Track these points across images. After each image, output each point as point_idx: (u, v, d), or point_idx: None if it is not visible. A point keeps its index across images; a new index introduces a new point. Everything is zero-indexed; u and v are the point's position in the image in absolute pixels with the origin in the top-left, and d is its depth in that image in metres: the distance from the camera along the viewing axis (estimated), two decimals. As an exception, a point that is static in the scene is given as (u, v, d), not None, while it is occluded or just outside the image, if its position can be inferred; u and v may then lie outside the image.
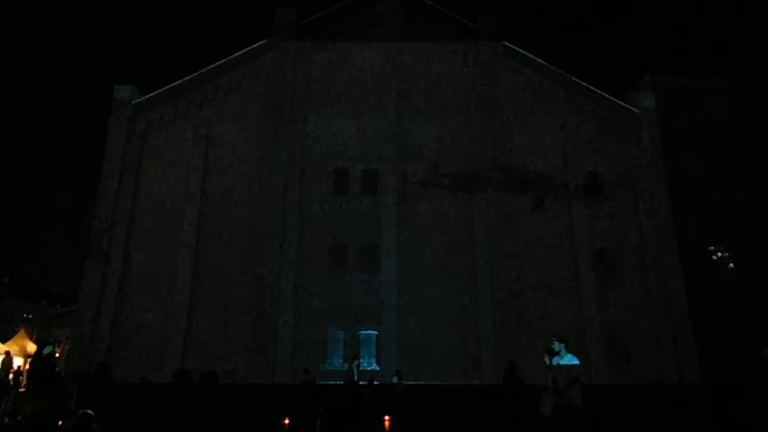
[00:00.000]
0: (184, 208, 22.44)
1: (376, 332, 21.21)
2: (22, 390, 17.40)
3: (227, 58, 24.28)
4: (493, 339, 20.75)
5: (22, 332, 26.81)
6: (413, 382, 17.60)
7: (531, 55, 24.48)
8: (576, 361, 8.04)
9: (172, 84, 24.18)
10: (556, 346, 8.28)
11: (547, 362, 8.68)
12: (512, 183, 22.74)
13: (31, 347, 24.51)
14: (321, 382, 16.72)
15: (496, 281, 21.45)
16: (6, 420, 11.86)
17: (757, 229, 23.73)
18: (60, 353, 23.78)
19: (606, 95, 24.28)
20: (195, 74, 24.19)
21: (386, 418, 12.93)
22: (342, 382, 16.39)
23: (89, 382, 14.81)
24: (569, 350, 8.15)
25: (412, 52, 24.34)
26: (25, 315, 43.34)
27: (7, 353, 22.41)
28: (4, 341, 25.74)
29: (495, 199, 22.39)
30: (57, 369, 16.94)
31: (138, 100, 23.94)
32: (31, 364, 17.03)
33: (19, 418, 11.73)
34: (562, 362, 8.02)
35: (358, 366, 16.67)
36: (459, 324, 21.10)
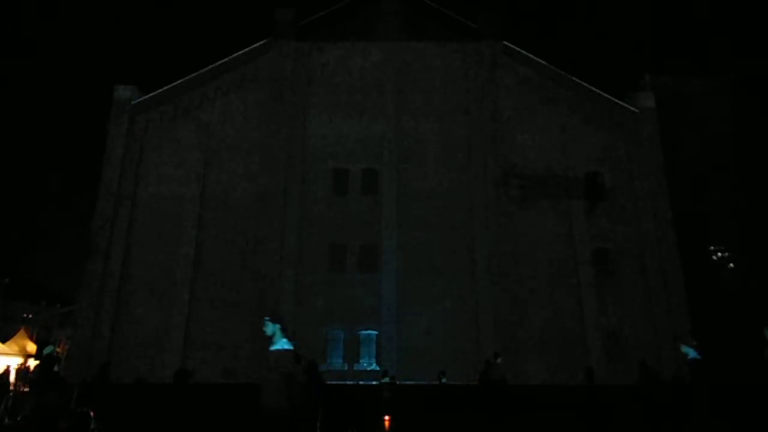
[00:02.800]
0: (184, 207, 22.45)
1: (376, 332, 21.21)
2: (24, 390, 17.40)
3: (227, 58, 24.30)
4: (493, 339, 20.75)
5: (22, 332, 26.82)
6: (413, 382, 17.61)
7: (531, 55, 24.49)
8: (289, 347, 5.95)
9: (172, 84, 24.20)
10: (269, 328, 6.08)
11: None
12: (512, 183, 22.76)
13: (31, 347, 24.52)
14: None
15: (496, 281, 21.45)
16: (6, 420, 11.86)
17: (757, 229, 23.72)
18: (60, 353, 23.77)
19: (606, 95, 24.28)
20: (195, 74, 24.21)
21: (386, 418, 12.94)
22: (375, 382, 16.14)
23: (89, 382, 14.82)
24: (285, 334, 6.08)
25: (412, 52, 24.36)
26: (25, 315, 43.37)
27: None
28: (4, 341, 25.74)
29: (495, 198, 22.40)
30: (56, 369, 16.89)
31: (138, 100, 23.95)
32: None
33: (19, 418, 11.74)
34: (273, 348, 5.97)
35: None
36: (459, 324, 21.11)
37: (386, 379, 16.40)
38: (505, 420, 11.98)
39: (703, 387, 9.87)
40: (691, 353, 10.24)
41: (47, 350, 14.39)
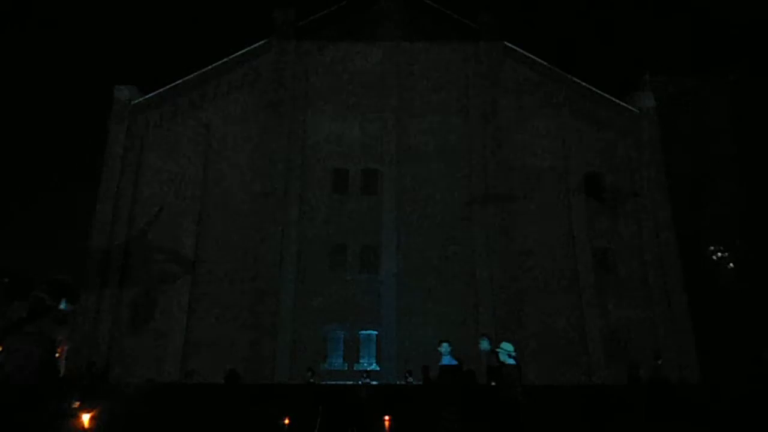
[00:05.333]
0: (184, 207, 22.45)
1: (376, 332, 21.21)
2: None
3: (227, 58, 24.27)
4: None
5: (22, 332, 26.82)
6: (412, 382, 17.57)
7: (531, 55, 24.49)
8: None
9: (172, 84, 24.18)
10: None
11: None
12: (512, 183, 22.76)
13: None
14: (321, 382, 16.72)
15: (495, 281, 21.46)
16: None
17: (757, 229, 23.72)
18: (60, 353, 23.80)
19: (606, 95, 24.28)
20: (195, 74, 24.19)
21: (386, 418, 12.91)
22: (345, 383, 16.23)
23: (88, 382, 14.83)
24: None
25: (412, 52, 24.34)
26: (25, 315, 43.29)
27: None
28: (4, 341, 25.70)
29: (494, 198, 22.39)
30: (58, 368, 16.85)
31: (138, 100, 23.94)
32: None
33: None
34: None
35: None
36: (459, 324, 21.09)
37: (368, 380, 16.43)
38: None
39: (450, 391, 10.27)
40: (446, 359, 10.66)
41: None
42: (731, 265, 23.36)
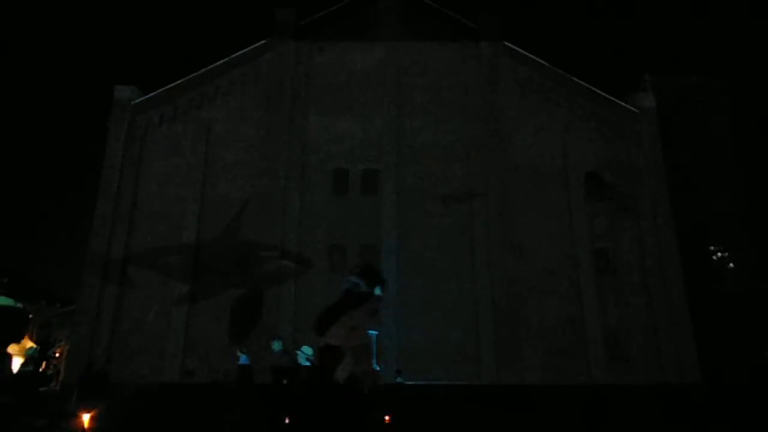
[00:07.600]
0: (184, 207, 22.45)
1: (376, 332, 21.17)
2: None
3: (227, 58, 24.28)
4: (493, 339, 20.76)
5: (22, 332, 26.82)
6: (413, 382, 17.61)
7: (531, 55, 24.49)
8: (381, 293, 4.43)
9: (172, 84, 24.18)
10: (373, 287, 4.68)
11: None
12: (512, 183, 22.76)
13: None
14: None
15: (495, 281, 21.46)
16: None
17: (757, 230, 23.73)
18: (60, 353, 23.86)
19: (606, 95, 24.28)
20: (195, 74, 24.20)
21: (386, 417, 12.91)
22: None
23: (88, 382, 14.84)
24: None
25: (412, 52, 24.35)
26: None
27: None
28: (4, 341, 25.70)
29: (494, 199, 22.41)
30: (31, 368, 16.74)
31: (138, 100, 23.94)
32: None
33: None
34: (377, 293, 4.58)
35: None
36: (459, 324, 21.11)
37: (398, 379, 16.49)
38: (501, 420, 11.98)
39: (247, 388, 10.65)
40: (243, 359, 11.03)
41: (29, 351, 14.18)
42: (731, 265, 23.35)
